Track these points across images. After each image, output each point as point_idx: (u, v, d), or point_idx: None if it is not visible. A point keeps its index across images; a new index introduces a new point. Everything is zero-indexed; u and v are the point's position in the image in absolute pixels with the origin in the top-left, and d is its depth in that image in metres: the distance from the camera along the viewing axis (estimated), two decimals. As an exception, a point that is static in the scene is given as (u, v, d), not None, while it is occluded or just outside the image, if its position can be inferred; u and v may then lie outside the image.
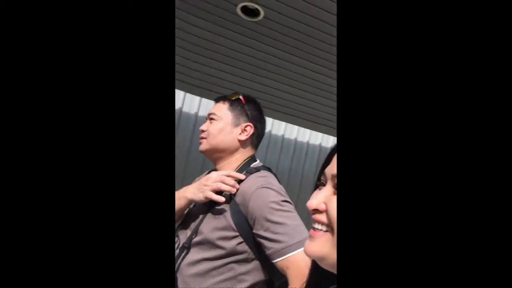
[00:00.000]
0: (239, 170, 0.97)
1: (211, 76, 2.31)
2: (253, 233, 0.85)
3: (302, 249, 0.74)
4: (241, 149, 1.00)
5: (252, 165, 0.99)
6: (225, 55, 2.10)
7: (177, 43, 1.96)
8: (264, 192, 0.86)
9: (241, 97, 1.03)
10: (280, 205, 0.84)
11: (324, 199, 0.44)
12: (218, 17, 1.79)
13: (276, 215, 0.82)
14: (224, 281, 0.85)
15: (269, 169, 0.99)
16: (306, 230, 0.50)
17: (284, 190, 0.91)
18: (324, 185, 0.46)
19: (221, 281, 0.85)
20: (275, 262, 0.81)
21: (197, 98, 2.75)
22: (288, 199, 0.88)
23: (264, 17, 1.73)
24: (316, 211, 0.44)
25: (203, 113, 2.77)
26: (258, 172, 0.94)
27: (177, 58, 2.12)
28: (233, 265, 0.86)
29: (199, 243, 0.89)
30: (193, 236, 0.90)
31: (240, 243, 0.86)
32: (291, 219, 0.82)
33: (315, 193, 0.46)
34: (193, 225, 0.93)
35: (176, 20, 1.77)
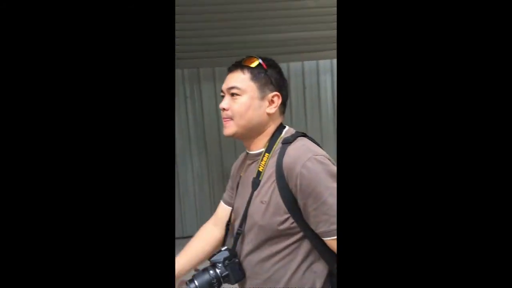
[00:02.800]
0: (271, 143, 0.91)
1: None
2: (301, 209, 0.83)
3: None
4: (271, 122, 0.94)
5: (283, 134, 0.93)
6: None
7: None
8: (312, 167, 0.82)
9: (261, 61, 0.91)
10: (328, 181, 0.81)
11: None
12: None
13: (325, 194, 0.80)
14: (289, 263, 0.86)
15: (304, 135, 0.92)
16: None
17: (326, 154, 0.87)
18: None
19: (287, 263, 0.86)
20: (326, 240, 0.82)
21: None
22: (333, 166, 0.84)
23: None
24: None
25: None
26: (296, 142, 0.88)
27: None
28: (292, 246, 0.86)
29: (252, 229, 0.88)
30: (244, 221, 0.90)
31: (292, 223, 0.84)
32: (335, 197, 0.80)
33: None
34: (242, 204, 0.92)
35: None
